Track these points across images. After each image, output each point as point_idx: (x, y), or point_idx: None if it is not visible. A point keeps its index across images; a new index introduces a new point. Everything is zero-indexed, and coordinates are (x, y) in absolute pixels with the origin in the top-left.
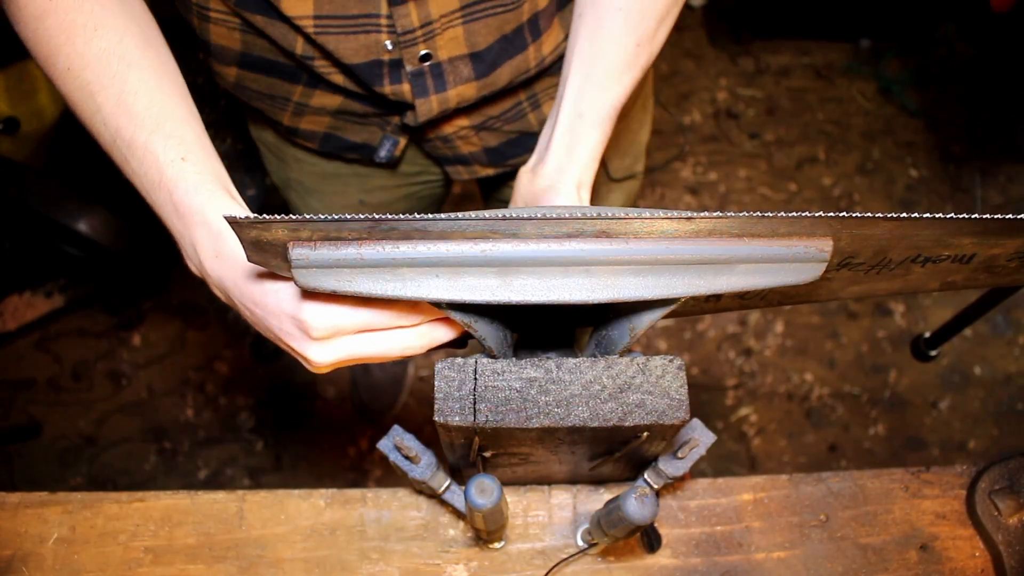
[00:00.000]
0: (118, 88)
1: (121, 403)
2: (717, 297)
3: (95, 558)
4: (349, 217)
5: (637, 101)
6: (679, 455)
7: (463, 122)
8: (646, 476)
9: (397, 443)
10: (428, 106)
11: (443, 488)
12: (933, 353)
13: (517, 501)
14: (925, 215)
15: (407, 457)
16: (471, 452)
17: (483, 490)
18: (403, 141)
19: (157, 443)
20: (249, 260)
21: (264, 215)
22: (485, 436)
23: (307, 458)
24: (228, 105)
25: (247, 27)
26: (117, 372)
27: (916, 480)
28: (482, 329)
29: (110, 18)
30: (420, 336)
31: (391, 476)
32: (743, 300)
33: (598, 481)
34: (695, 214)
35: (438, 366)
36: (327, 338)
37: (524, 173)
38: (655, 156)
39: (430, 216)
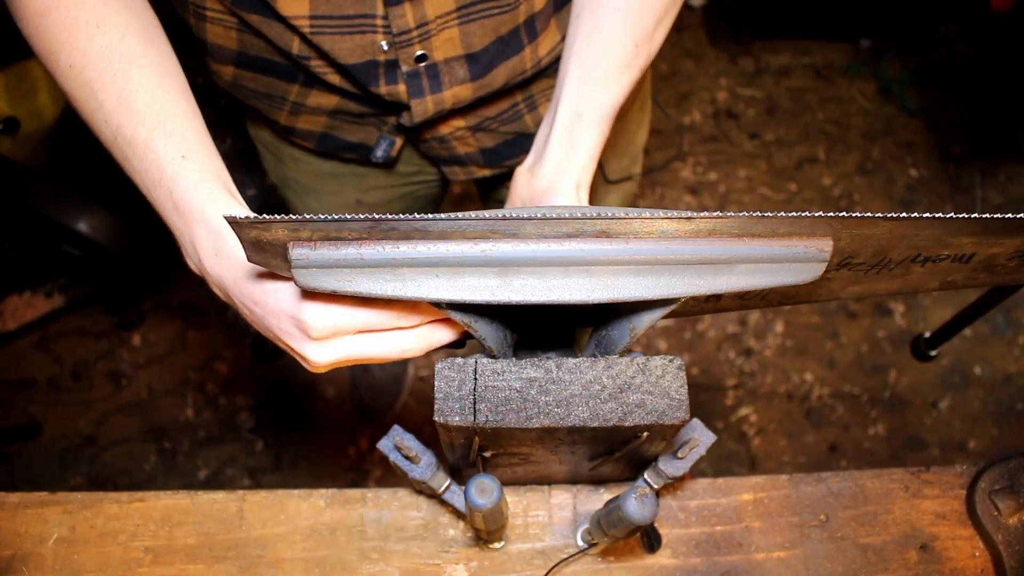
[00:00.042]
0: (119, 86)
1: (121, 403)
2: (717, 297)
3: (95, 558)
4: (349, 217)
5: (635, 102)
6: (679, 455)
7: (459, 123)
8: (646, 476)
9: (397, 443)
10: (423, 107)
11: (443, 488)
12: (933, 353)
13: (517, 501)
14: (925, 215)
15: (407, 457)
16: (471, 452)
17: (483, 490)
18: (399, 141)
19: (157, 443)
20: (249, 260)
21: (264, 215)
22: (485, 436)
23: (307, 458)
24: (228, 105)
25: (243, 26)
26: (117, 372)
27: (916, 480)
28: (482, 329)
29: (112, 15)
30: (419, 338)
31: (391, 476)
32: (743, 300)
33: (598, 481)
34: (695, 214)
35: (438, 366)
36: (326, 338)
37: (521, 173)
38: (655, 156)
39: (430, 216)
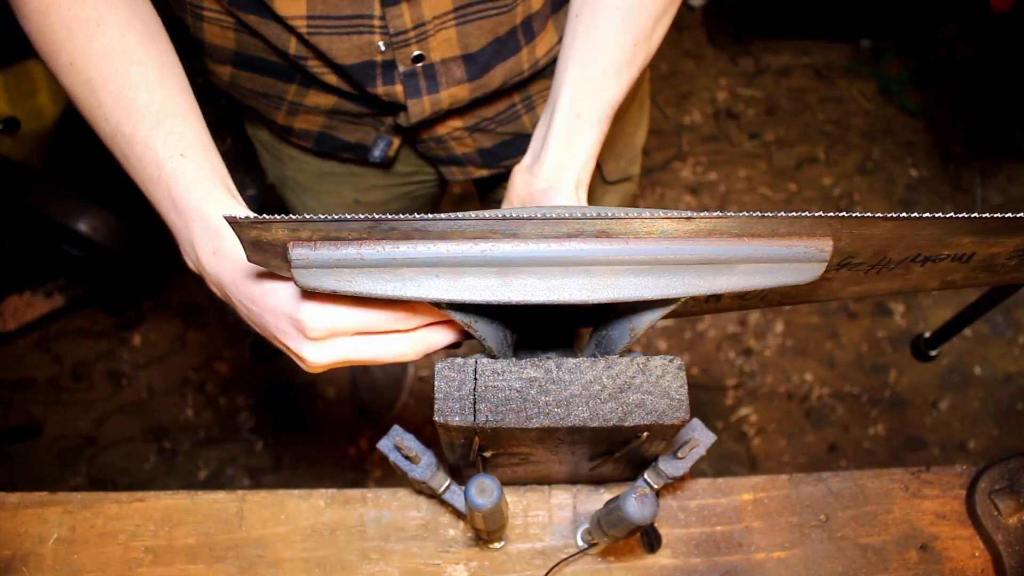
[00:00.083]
0: (119, 84)
1: (121, 403)
2: (717, 297)
3: (95, 558)
4: (349, 217)
5: (633, 103)
6: (679, 455)
7: (456, 123)
8: (646, 476)
9: (397, 443)
10: (420, 107)
11: (443, 488)
12: (933, 353)
13: (517, 501)
14: (925, 215)
15: (407, 457)
16: (471, 452)
17: (483, 490)
18: (397, 141)
19: (157, 443)
20: (249, 260)
21: (264, 215)
22: (485, 436)
23: (307, 458)
24: (228, 105)
25: (241, 26)
26: (117, 372)
27: (916, 480)
28: (482, 329)
29: (113, 13)
30: (415, 343)
31: (391, 476)
32: (743, 300)
33: (598, 481)
34: (695, 214)
35: (438, 366)
36: (323, 339)
37: (519, 172)
38: (655, 156)
39: (430, 216)
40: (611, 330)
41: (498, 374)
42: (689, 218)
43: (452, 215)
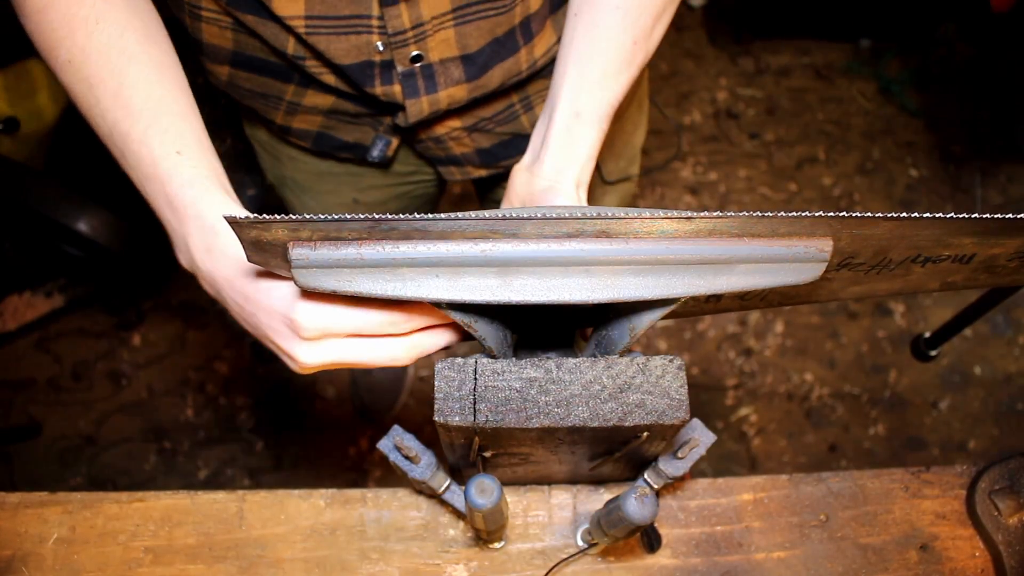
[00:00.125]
0: (117, 81)
1: (121, 403)
2: (717, 298)
3: (95, 558)
4: (349, 217)
5: (632, 103)
6: (679, 455)
7: (455, 123)
8: (646, 476)
9: (397, 443)
10: (418, 107)
11: (443, 488)
12: (933, 353)
13: (517, 501)
14: (925, 215)
15: (407, 457)
16: (471, 452)
17: (483, 490)
18: (395, 141)
19: (157, 443)
20: (249, 260)
21: (264, 215)
22: (485, 436)
23: (307, 458)
24: (228, 105)
25: (239, 26)
26: (117, 372)
27: (916, 480)
28: (482, 329)
29: (112, 12)
30: (408, 347)
31: (391, 476)
32: (743, 301)
33: (598, 481)
34: (695, 214)
35: (438, 366)
36: (316, 339)
37: (519, 172)
38: (655, 156)
39: (430, 216)
40: (611, 330)
41: (498, 374)
42: (689, 218)
43: (452, 215)
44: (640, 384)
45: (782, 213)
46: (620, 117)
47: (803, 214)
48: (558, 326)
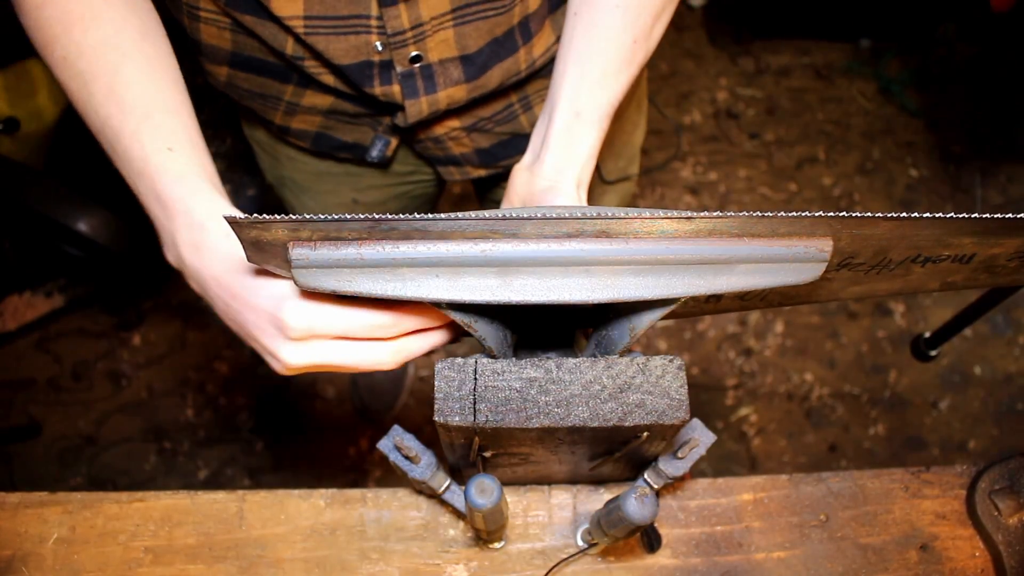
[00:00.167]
0: (110, 78)
1: (121, 403)
2: (717, 298)
3: (95, 558)
4: (349, 217)
5: (631, 102)
6: (679, 455)
7: (454, 123)
8: (646, 476)
9: (397, 443)
10: (418, 107)
11: (443, 488)
12: (933, 353)
13: (517, 501)
14: (925, 215)
15: (407, 457)
16: (471, 452)
17: (483, 490)
18: (394, 141)
19: (157, 443)
20: (248, 260)
21: (264, 215)
22: (485, 436)
23: (307, 458)
24: (228, 105)
25: (237, 27)
26: (117, 372)
27: (916, 480)
28: (482, 329)
29: (109, 10)
30: (394, 352)
31: (391, 476)
32: (743, 301)
33: (598, 481)
34: (695, 214)
35: (438, 366)
36: (302, 339)
37: (520, 172)
38: (655, 156)
39: (430, 216)
40: (611, 330)
41: (498, 374)
42: (689, 218)
43: (452, 215)
44: (640, 384)
45: (782, 213)
46: (619, 117)
47: (803, 214)
48: (558, 326)
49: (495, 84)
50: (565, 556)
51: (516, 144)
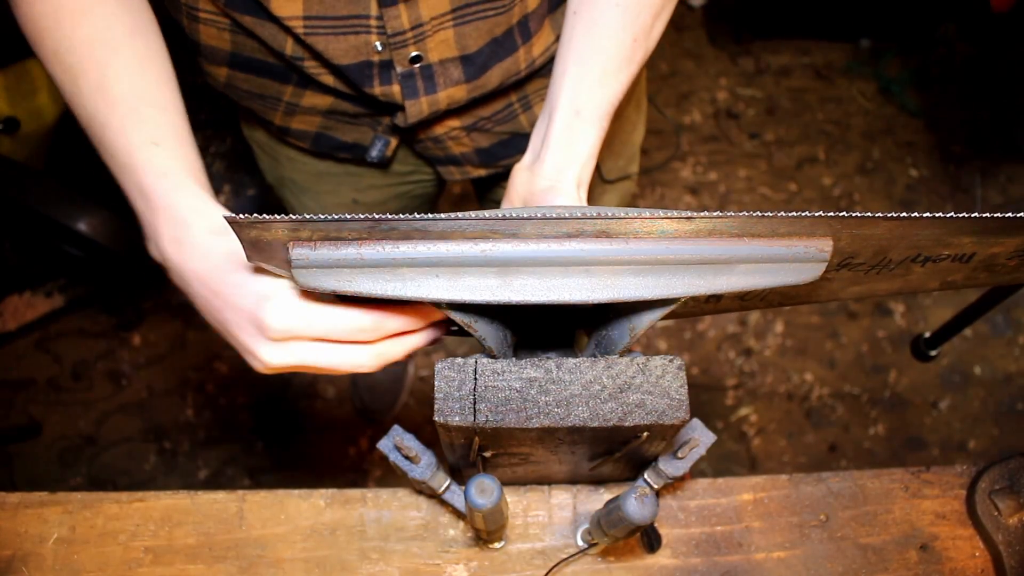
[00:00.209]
0: (99, 72)
1: (121, 403)
2: (717, 298)
3: (95, 558)
4: (349, 217)
5: (630, 101)
6: (679, 455)
7: (454, 123)
8: (646, 476)
9: (397, 443)
10: (418, 108)
11: (443, 488)
12: (933, 353)
13: (517, 501)
14: (925, 215)
15: (407, 457)
16: (471, 452)
17: (483, 490)
18: (394, 141)
19: (157, 443)
20: (248, 260)
21: (264, 215)
22: (485, 436)
23: (307, 458)
24: (228, 105)
25: (237, 27)
26: (117, 372)
27: (916, 480)
28: (482, 329)
29: (100, 6)
30: (374, 355)
31: (391, 476)
32: (743, 301)
33: (598, 481)
34: (695, 214)
35: (438, 366)
36: (282, 340)
37: (520, 171)
38: (655, 156)
39: (430, 216)
40: (611, 330)
41: (498, 374)
42: (689, 218)
43: (452, 215)
44: (640, 384)
45: (782, 213)
46: (618, 116)
47: (803, 214)
48: (558, 326)
49: (495, 84)
50: (565, 556)
51: (516, 144)
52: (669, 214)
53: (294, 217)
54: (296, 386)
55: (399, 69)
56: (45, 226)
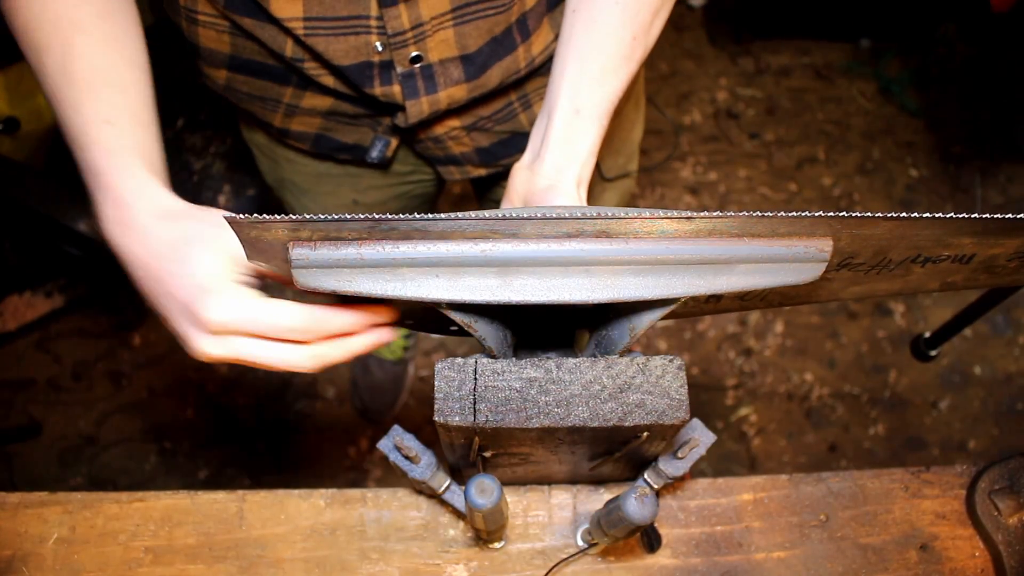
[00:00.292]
0: (62, 51)
1: (121, 403)
2: (717, 298)
3: (95, 558)
4: (349, 217)
5: (630, 99)
6: (679, 455)
7: (454, 123)
8: (646, 476)
9: (397, 443)
10: (418, 108)
11: (443, 488)
12: (933, 353)
13: (517, 501)
14: (925, 215)
15: (407, 457)
16: (471, 452)
17: (483, 490)
18: (394, 142)
19: (157, 443)
20: (248, 259)
21: (264, 215)
22: (485, 436)
23: (307, 458)
24: (228, 106)
25: (236, 30)
26: (117, 372)
27: (916, 480)
28: (482, 329)
29: None
30: (311, 357)
31: (391, 476)
32: (743, 301)
33: (598, 481)
34: (695, 214)
35: (438, 366)
36: (218, 333)
37: (520, 170)
38: (654, 156)
39: (430, 216)
40: (611, 330)
41: (498, 374)
42: (689, 218)
43: (452, 215)
44: (640, 384)
45: (782, 213)
46: (617, 114)
47: (803, 214)
48: (558, 326)
49: (495, 83)
50: (565, 556)
51: (516, 143)
52: (669, 214)
53: (294, 217)
54: (296, 386)
55: (399, 69)
56: (45, 226)
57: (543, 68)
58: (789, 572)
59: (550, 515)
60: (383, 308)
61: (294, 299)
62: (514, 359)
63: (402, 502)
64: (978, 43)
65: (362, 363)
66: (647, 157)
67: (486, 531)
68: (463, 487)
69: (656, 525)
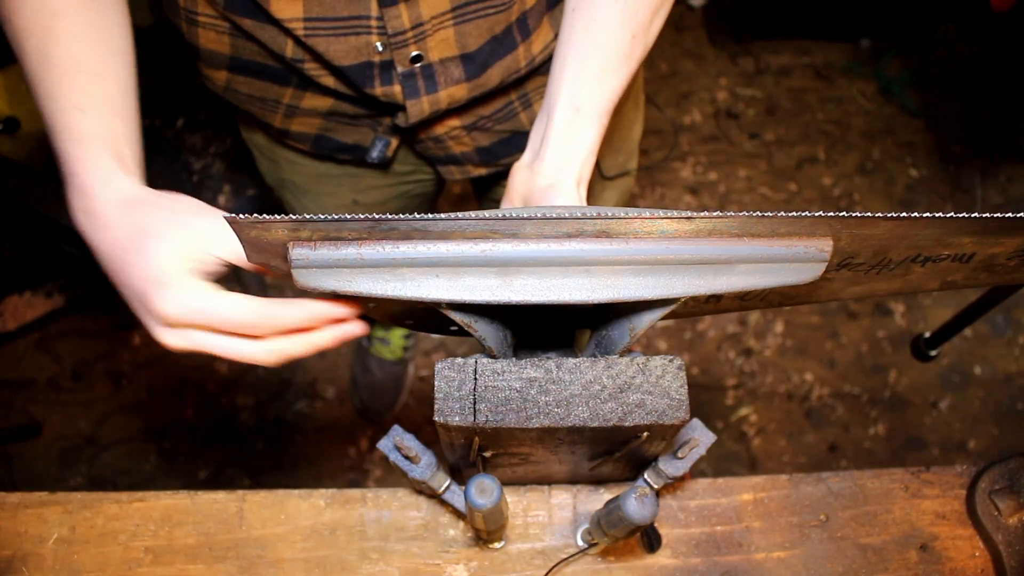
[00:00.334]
0: (41, 35)
1: (121, 403)
2: (717, 298)
3: (95, 558)
4: (349, 217)
5: (629, 98)
6: (679, 455)
7: (454, 122)
8: (646, 476)
9: (397, 443)
10: (419, 107)
11: (443, 488)
12: (933, 353)
13: (517, 501)
14: (925, 215)
15: (407, 457)
16: (471, 452)
17: (483, 490)
18: (395, 142)
19: (157, 443)
20: (248, 259)
21: (264, 215)
22: (485, 436)
23: (307, 458)
24: (228, 105)
25: (236, 31)
26: (117, 372)
27: (916, 480)
28: (482, 329)
29: None
30: (269, 351)
31: (391, 476)
32: (743, 301)
33: (598, 481)
34: (695, 214)
35: (438, 366)
36: (174, 325)
37: (520, 169)
38: (654, 155)
39: (430, 216)
40: (611, 330)
41: (498, 374)
42: (689, 218)
43: (452, 215)
44: (640, 384)
45: (782, 213)
46: (618, 113)
47: (803, 214)
48: (558, 326)
49: (495, 82)
50: (565, 556)
51: (516, 142)
52: (669, 214)
53: (294, 217)
54: (296, 386)
55: (400, 69)
56: (45, 226)
57: (543, 67)
58: (789, 572)
59: (550, 515)
60: (344, 302)
61: (260, 293)
62: (514, 359)
63: (402, 502)
64: (978, 43)
65: (362, 363)
66: (647, 157)
67: (486, 531)
68: (463, 487)
69: (656, 525)
